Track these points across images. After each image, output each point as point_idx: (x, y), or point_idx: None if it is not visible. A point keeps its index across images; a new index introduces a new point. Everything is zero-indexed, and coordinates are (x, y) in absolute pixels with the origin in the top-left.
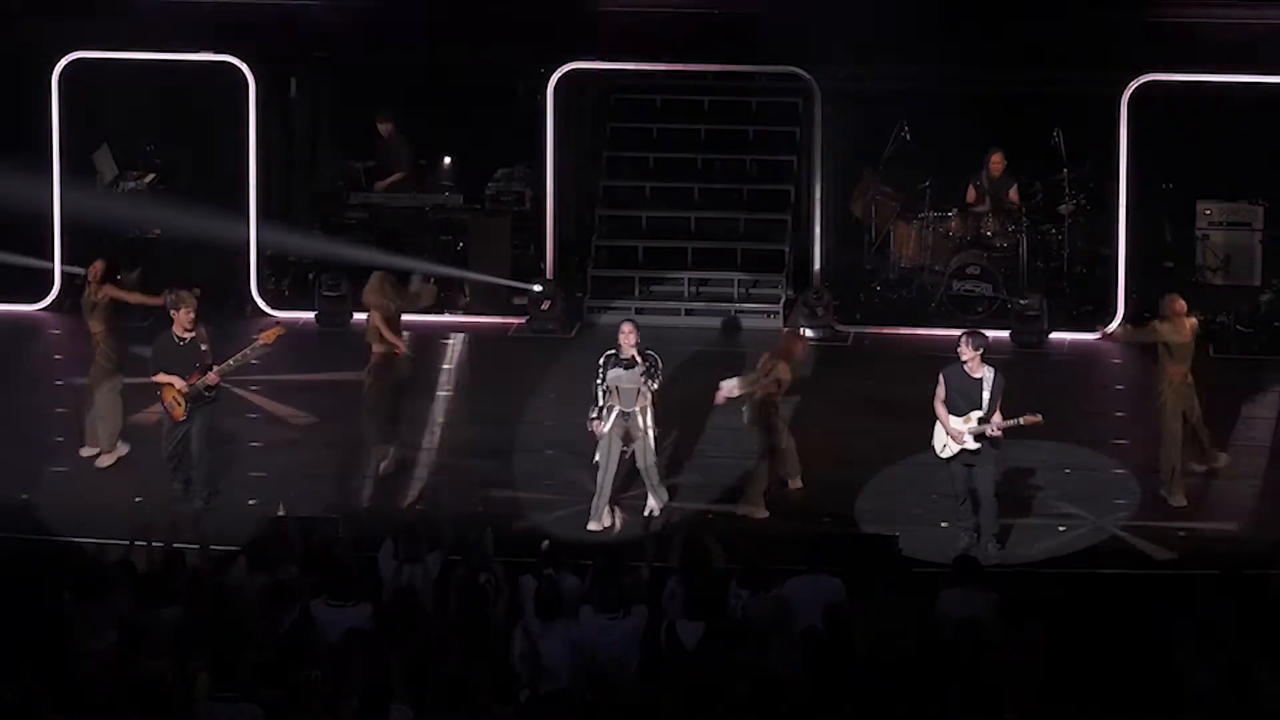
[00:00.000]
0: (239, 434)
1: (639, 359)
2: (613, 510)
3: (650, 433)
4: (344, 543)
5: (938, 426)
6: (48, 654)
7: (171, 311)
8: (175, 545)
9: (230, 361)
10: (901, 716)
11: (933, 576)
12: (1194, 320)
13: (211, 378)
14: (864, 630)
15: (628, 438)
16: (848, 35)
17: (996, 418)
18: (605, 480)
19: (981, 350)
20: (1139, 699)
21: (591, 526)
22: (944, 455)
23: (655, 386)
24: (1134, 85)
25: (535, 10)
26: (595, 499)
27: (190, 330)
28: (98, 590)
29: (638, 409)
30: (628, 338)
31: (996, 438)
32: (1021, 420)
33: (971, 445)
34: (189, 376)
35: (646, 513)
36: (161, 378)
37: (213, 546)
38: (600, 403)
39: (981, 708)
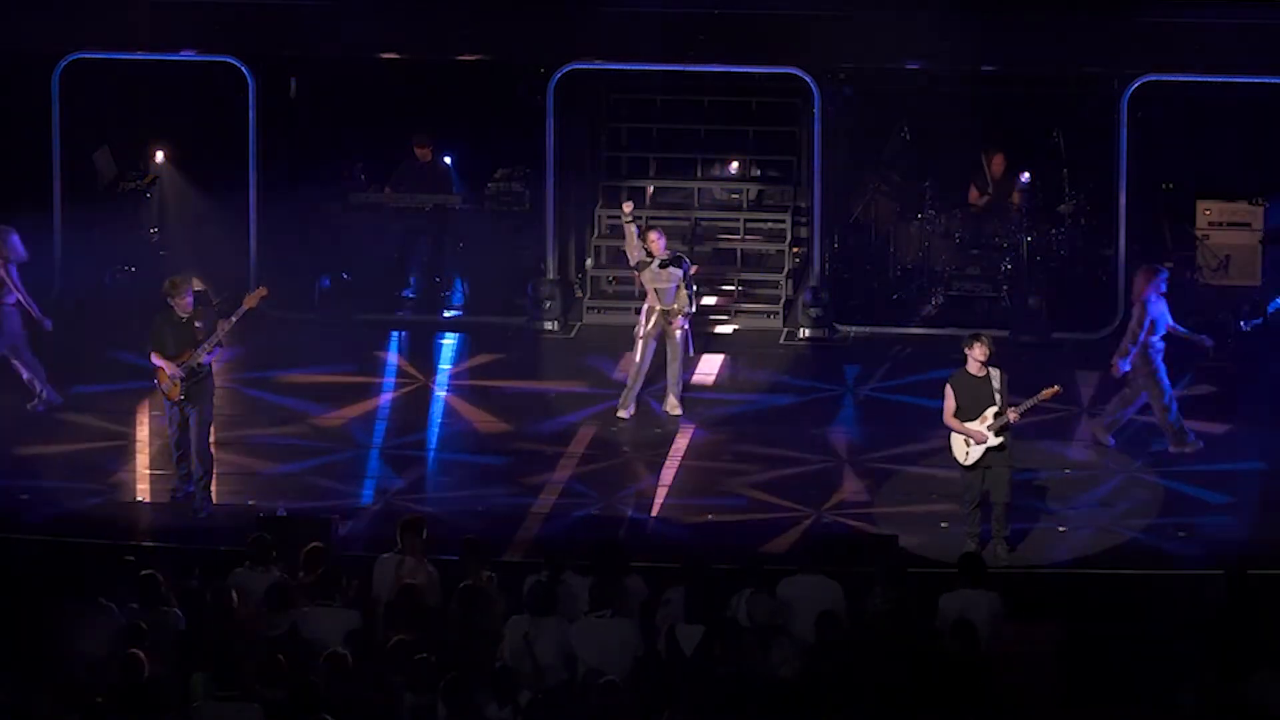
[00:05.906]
0: (237, 433)
1: (672, 261)
2: (638, 403)
3: (683, 331)
4: (342, 543)
5: (955, 435)
6: (47, 654)
7: (170, 296)
8: (175, 546)
9: (217, 333)
10: (902, 717)
11: (934, 577)
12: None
13: (200, 353)
14: (863, 631)
15: (663, 336)
16: (848, 35)
17: (1012, 409)
18: (639, 373)
19: (990, 351)
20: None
21: (620, 414)
22: (968, 463)
23: (692, 273)
24: (1134, 85)
25: (536, 10)
26: (625, 391)
27: (187, 312)
28: (97, 590)
29: (676, 305)
30: (656, 244)
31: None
32: (1040, 397)
33: (995, 441)
34: (181, 356)
35: (663, 411)
36: (155, 359)
37: (212, 547)
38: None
39: (982, 709)
